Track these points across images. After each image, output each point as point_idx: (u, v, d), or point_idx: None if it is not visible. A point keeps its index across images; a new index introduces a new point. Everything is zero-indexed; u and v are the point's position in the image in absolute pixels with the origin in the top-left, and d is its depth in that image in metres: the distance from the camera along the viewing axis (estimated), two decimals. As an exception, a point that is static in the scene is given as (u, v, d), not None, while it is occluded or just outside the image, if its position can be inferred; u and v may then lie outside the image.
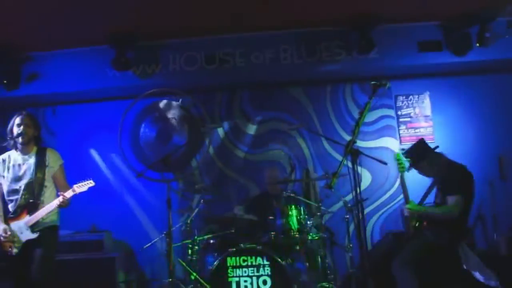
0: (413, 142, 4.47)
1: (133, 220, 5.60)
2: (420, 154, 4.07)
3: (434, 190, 4.12)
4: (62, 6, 4.42)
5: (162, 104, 5.39)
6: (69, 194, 3.70)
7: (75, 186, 3.76)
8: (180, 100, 5.41)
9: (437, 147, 4.12)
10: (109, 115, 5.67)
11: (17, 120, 3.82)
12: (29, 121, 3.85)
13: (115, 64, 5.15)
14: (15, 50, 5.18)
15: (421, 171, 4.14)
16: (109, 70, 5.26)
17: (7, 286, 3.69)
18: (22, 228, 3.64)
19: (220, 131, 5.73)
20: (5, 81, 5.16)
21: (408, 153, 4.16)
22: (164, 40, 5.30)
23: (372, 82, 3.31)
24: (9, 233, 3.61)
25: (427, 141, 4.20)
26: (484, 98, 5.68)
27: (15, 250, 3.60)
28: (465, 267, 3.76)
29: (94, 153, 5.76)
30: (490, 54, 5.26)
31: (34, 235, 3.63)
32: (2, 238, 3.61)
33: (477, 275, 3.72)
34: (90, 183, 3.82)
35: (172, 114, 5.33)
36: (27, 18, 4.61)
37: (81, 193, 3.77)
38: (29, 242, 3.62)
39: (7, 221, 3.69)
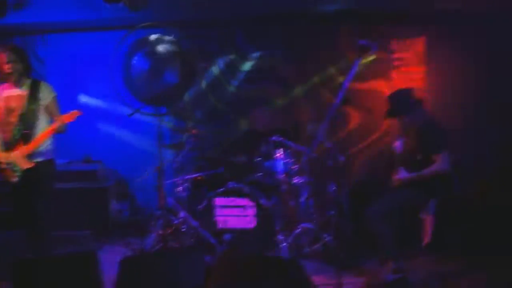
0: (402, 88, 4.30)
1: (125, 152, 5.70)
2: (403, 109, 3.94)
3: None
4: None
5: (153, 38, 5.27)
6: (63, 120, 3.84)
7: (63, 116, 3.87)
8: (172, 34, 5.30)
9: (421, 100, 3.99)
10: (100, 46, 5.56)
11: (4, 58, 3.78)
12: (16, 56, 3.83)
13: (105, -4, 4.95)
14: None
15: (402, 126, 4.09)
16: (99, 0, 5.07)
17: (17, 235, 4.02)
18: (19, 158, 3.77)
19: (214, 66, 5.69)
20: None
21: (391, 103, 3.97)
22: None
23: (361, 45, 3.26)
24: (8, 162, 3.76)
25: (412, 94, 4.00)
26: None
27: (15, 179, 3.77)
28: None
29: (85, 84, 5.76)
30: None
31: (31, 164, 3.79)
32: (2, 166, 3.77)
33: None
34: (76, 113, 3.91)
35: (163, 49, 5.23)
36: None
37: (72, 122, 3.88)
38: (28, 171, 3.78)
39: (4, 152, 3.82)
